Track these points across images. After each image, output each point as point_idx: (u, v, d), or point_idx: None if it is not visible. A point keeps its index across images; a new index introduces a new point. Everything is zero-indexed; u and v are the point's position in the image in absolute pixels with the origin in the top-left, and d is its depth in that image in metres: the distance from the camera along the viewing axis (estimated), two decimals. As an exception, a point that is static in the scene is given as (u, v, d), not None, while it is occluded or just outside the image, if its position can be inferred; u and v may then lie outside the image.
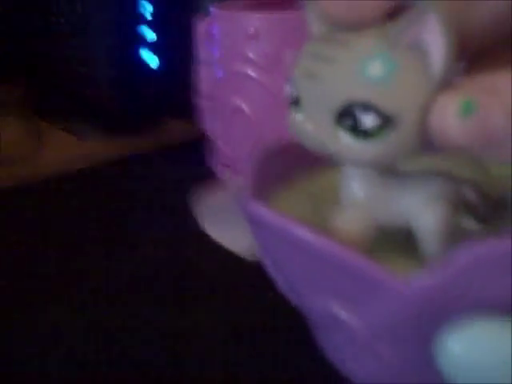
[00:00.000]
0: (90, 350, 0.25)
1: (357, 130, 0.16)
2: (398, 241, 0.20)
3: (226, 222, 0.32)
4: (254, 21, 0.36)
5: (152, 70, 0.50)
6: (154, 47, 0.50)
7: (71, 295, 0.29)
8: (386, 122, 0.16)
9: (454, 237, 0.19)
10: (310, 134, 0.17)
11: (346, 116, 0.16)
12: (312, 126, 0.17)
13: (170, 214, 0.37)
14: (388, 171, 0.19)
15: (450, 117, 0.15)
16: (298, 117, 0.18)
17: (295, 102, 0.17)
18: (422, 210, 0.18)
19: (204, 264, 0.32)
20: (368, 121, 0.16)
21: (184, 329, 0.27)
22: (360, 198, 0.19)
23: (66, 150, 0.49)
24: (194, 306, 0.28)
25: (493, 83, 0.15)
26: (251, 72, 0.37)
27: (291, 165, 0.22)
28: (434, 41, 0.15)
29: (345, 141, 0.16)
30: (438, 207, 0.18)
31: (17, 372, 0.25)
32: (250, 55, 0.37)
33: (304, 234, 0.17)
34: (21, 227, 0.36)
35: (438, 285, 0.16)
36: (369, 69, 0.16)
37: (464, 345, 0.17)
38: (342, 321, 0.18)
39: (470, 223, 0.20)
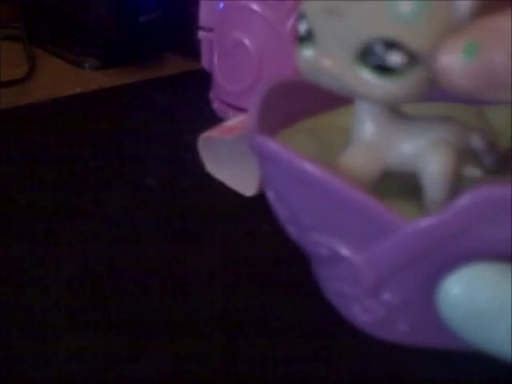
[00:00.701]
0: (90, 279, 0.26)
1: (381, 68, 0.16)
2: (403, 188, 0.20)
3: (227, 160, 0.31)
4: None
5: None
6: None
7: (65, 225, 0.29)
8: (412, 59, 0.16)
9: (459, 184, 0.19)
10: (326, 70, 0.17)
11: (370, 54, 0.16)
12: (330, 62, 0.17)
13: (167, 145, 0.37)
14: (399, 114, 0.19)
15: (454, 57, 0.15)
16: (308, 52, 0.17)
17: (306, 37, 0.17)
18: (428, 154, 0.18)
19: (201, 195, 0.32)
20: (394, 58, 0.16)
21: (183, 257, 0.27)
22: (370, 137, 0.19)
23: (61, 76, 0.48)
24: (193, 240, 0.28)
25: (495, 25, 0.15)
26: (255, 6, 0.36)
27: (295, 103, 0.22)
28: None
29: (366, 78, 0.16)
30: (444, 152, 0.18)
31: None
32: (255, -12, 0.36)
33: (311, 168, 0.18)
34: (12, 150, 0.36)
35: (440, 224, 0.17)
36: (399, 6, 0.15)
37: (463, 287, 0.17)
38: (345, 259, 0.19)
39: (475, 171, 0.20)
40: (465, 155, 0.19)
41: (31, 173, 0.34)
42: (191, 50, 0.45)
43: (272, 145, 0.18)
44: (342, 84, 0.17)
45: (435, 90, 0.17)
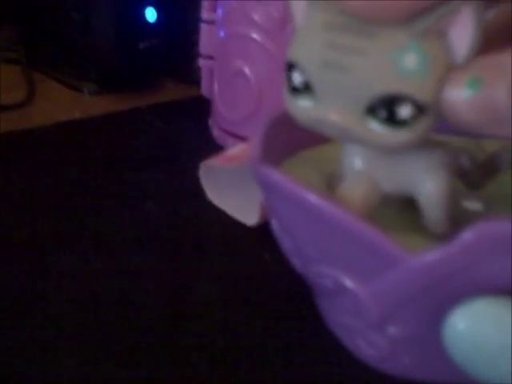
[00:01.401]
0: (90, 306, 0.25)
1: (391, 121, 0.16)
2: (402, 219, 0.20)
3: (228, 189, 0.31)
4: (262, -17, 0.35)
5: (150, 23, 0.49)
6: (153, 0, 0.49)
7: (64, 251, 0.29)
8: (420, 111, 0.16)
9: (459, 213, 0.19)
10: (333, 124, 0.17)
11: (379, 108, 0.16)
12: (337, 116, 0.17)
13: (166, 172, 0.36)
14: None
15: (458, 93, 0.15)
16: (305, 103, 0.17)
17: (302, 89, 0.17)
18: (424, 178, 0.19)
19: (199, 221, 0.32)
20: (404, 112, 0.16)
21: (183, 285, 0.27)
22: (362, 169, 0.19)
23: (60, 100, 0.48)
24: (192, 269, 0.28)
25: (496, 61, 0.15)
26: (255, 35, 0.36)
27: (298, 132, 0.22)
28: (462, 33, 0.15)
29: (377, 130, 0.16)
30: (439, 175, 0.19)
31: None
32: (256, 18, 0.36)
33: (315, 199, 0.17)
34: (10, 175, 0.35)
35: (446, 258, 0.17)
36: (405, 61, 0.16)
37: (469, 322, 0.17)
38: (349, 291, 0.18)
39: (476, 205, 0.21)
40: (455, 174, 0.20)
41: (30, 197, 0.33)
42: (191, 76, 0.46)
43: (276, 175, 0.18)
44: (350, 136, 0.17)
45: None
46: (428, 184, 0.19)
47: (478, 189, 0.21)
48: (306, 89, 0.17)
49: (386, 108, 0.16)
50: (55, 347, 0.23)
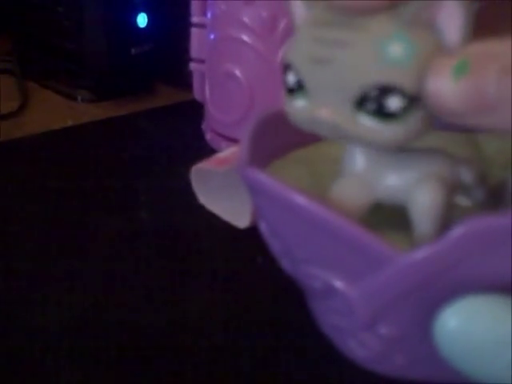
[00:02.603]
0: (83, 315, 0.25)
1: (381, 113, 0.16)
2: (393, 219, 0.20)
3: (220, 192, 0.31)
4: (251, -15, 0.35)
5: (142, 29, 0.49)
6: (143, 5, 0.48)
7: (56, 259, 0.28)
8: (410, 102, 0.15)
9: (450, 217, 0.18)
10: (325, 121, 0.16)
11: (368, 100, 0.16)
12: (328, 112, 0.16)
13: (160, 176, 0.36)
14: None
15: (443, 78, 0.15)
16: (300, 103, 0.17)
17: (296, 88, 0.17)
18: (417, 187, 0.18)
19: (194, 227, 0.31)
20: (393, 103, 0.15)
21: (176, 290, 0.27)
22: (360, 170, 0.18)
23: (54, 109, 0.48)
24: (185, 272, 0.28)
25: (487, 47, 0.14)
26: (246, 37, 0.36)
27: (286, 134, 0.22)
28: (452, 21, 0.15)
29: (368, 124, 0.16)
30: (432, 186, 0.18)
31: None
32: (246, 20, 0.36)
33: (303, 201, 0.17)
34: (4, 183, 0.35)
35: (435, 256, 0.16)
36: (390, 50, 0.15)
37: (460, 319, 0.16)
38: (339, 292, 0.18)
39: (466, 200, 0.20)
40: (454, 188, 0.19)
41: (24, 205, 0.33)
42: (183, 81, 0.45)
43: (263, 177, 0.18)
44: (342, 132, 0.16)
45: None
46: (419, 196, 0.18)
47: (481, 206, 0.20)
48: (300, 88, 0.17)
49: (374, 100, 0.15)
50: (44, 359, 0.23)
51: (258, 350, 0.23)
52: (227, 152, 0.31)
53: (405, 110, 0.15)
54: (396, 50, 0.15)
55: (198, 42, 0.41)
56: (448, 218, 0.18)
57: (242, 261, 0.28)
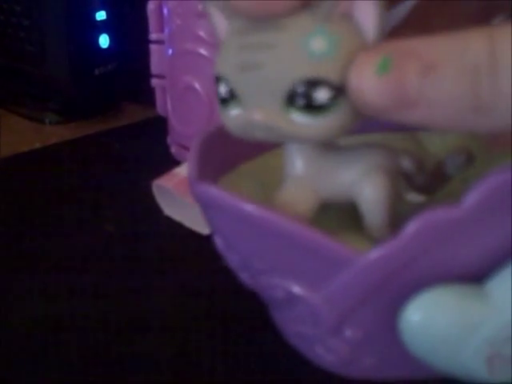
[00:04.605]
0: (50, 327, 0.25)
1: (311, 107, 0.15)
2: (343, 222, 0.19)
3: (182, 202, 0.31)
4: (204, -1, 0.34)
5: (104, 49, 0.48)
6: (105, 26, 0.47)
7: (24, 274, 0.28)
8: (337, 92, 0.15)
9: (401, 210, 0.18)
10: (259, 123, 0.16)
11: (297, 96, 0.15)
12: (260, 114, 0.16)
13: (126, 192, 0.36)
14: (328, 146, 0.18)
15: (365, 75, 0.14)
16: (234, 111, 0.17)
17: (229, 98, 0.17)
18: (362, 181, 0.18)
19: (160, 238, 0.31)
20: (320, 95, 0.15)
21: (144, 299, 0.26)
22: (302, 173, 0.18)
23: (23, 132, 0.47)
24: (153, 280, 0.27)
25: (410, 45, 0.14)
26: (203, 51, 0.35)
27: (234, 147, 0.21)
28: (366, 11, 0.15)
29: (299, 120, 0.16)
30: (376, 177, 0.18)
31: None
32: (201, 34, 0.35)
33: (254, 209, 0.16)
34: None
35: (391, 254, 0.16)
36: (312, 45, 0.15)
37: (423, 312, 0.16)
38: (301, 299, 0.17)
39: (417, 197, 0.20)
40: (397, 177, 0.19)
41: None
42: (148, 98, 0.45)
43: (213, 191, 0.17)
44: (276, 132, 0.16)
45: (367, 121, 0.16)
46: (366, 189, 0.18)
47: (428, 194, 0.20)
48: (233, 97, 0.17)
49: (302, 95, 0.15)
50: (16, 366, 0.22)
51: (222, 357, 0.23)
52: (183, 167, 0.31)
53: (333, 101, 0.15)
54: (318, 44, 0.15)
55: (157, 58, 0.40)
56: (400, 215, 0.18)
57: (206, 266, 0.27)
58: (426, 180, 0.20)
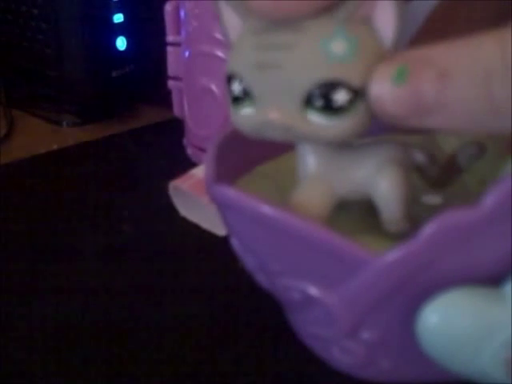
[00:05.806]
0: (68, 328, 0.25)
1: (329, 109, 0.15)
2: (361, 223, 0.19)
3: (198, 203, 0.31)
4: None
5: (121, 52, 0.48)
6: (122, 29, 0.48)
7: (42, 274, 0.28)
8: (355, 94, 0.15)
9: (414, 209, 0.18)
10: (273, 123, 0.16)
11: (315, 97, 0.15)
12: (276, 113, 0.16)
13: (143, 195, 0.36)
14: (341, 144, 0.18)
15: (384, 86, 0.15)
16: (247, 110, 0.17)
17: (242, 97, 0.16)
18: (377, 175, 0.18)
19: (176, 239, 0.31)
20: (339, 97, 0.15)
21: (162, 300, 0.26)
22: (317, 172, 0.18)
23: (40, 134, 0.47)
24: (169, 281, 0.28)
25: (424, 53, 0.14)
26: (219, 52, 0.35)
27: (252, 148, 0.21)
28: (385, 17, 0.15)
29: (316, 121, 0.16)
30: (391, 170, 0.18)
31: None
32: (218, 35, 0.35)
33: (271, 211, 0.16)
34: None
35: (409, 255, 0.16)
36: (332, 47, 0.15)
37: (441, 315, 0.16)
38: (317, 301, 0.17)
39: (434, 199, 0.20)
40: (410, 170, 0.19)
41: (13, 225, 0.33)
42: (164, 100, 0.45)
43: (230, 192, 0.17)
44: (292, 132, 0.16)
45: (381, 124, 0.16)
46: (381, 182, 0.18)
47: (441, 188, 0.20)
48: (246, 96, 0.16)
49: (321, 97, 0.15)
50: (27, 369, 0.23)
51: (237, 359, 0.23)
52: (201, 168, 0.31)
53: (351, 103, 0.15)
54: (338, 46, 0.15)
55: (174, 60, 0.40)
56: (417, 216, 0.18)
57: (222, 268, 0.27)
58: (438, 172, 0.20)
